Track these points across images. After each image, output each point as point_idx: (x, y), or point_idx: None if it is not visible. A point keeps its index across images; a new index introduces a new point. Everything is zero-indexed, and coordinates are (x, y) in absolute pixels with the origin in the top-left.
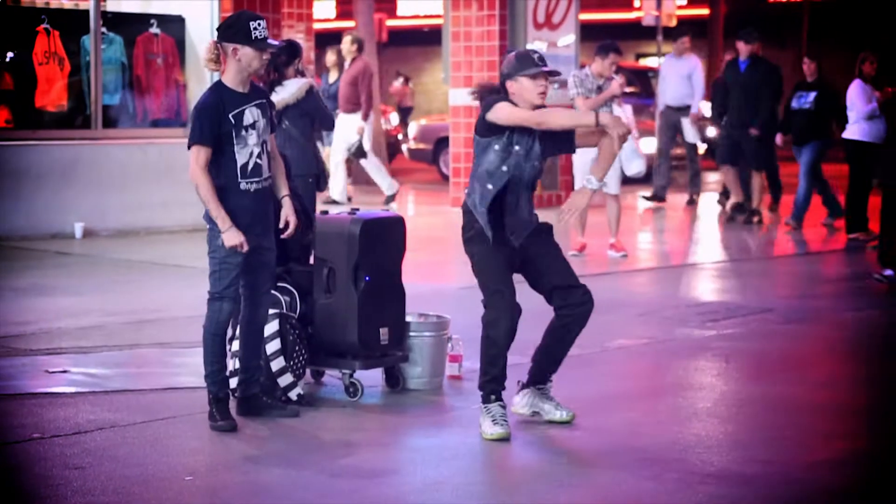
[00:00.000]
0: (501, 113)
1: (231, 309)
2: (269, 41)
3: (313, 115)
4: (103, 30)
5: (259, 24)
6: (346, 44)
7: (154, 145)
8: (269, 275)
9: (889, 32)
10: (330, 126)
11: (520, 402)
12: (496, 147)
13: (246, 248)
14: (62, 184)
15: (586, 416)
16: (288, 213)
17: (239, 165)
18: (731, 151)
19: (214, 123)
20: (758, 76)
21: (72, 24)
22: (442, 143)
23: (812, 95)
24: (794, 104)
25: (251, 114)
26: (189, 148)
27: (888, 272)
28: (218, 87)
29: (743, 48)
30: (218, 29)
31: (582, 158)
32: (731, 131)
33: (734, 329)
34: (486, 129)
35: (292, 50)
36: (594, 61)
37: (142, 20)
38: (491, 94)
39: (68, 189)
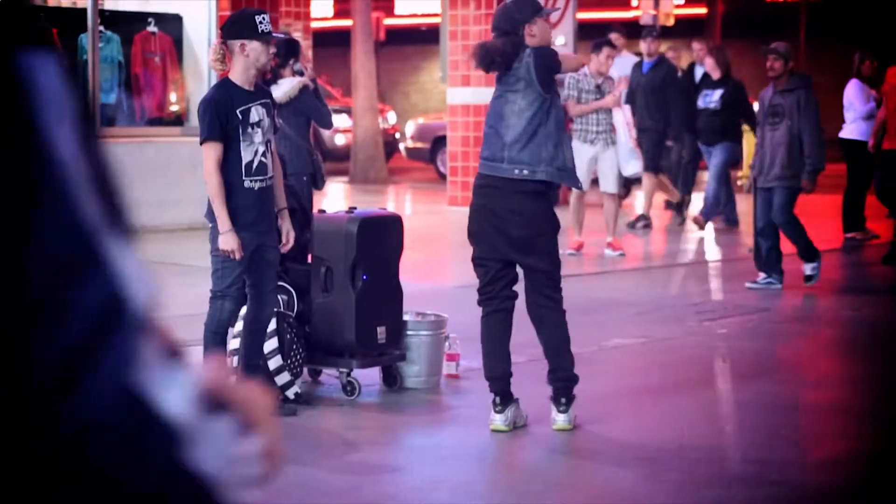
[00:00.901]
0: (570, 63)
1: (233, 308)
2: (274, 34)
3: (308, 114)
4: (101, 28)
5: (264, 19)
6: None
7: (151, 144)
8: (274, 274)
9: (886, 32)
10: (327, 125)
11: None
12: (557, 101)
13: (239, 255)
14: None
15: (584, 414)
16: (287, 229)
17: (244, 163)
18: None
19: (223, 119)
20: (660, 77)
21: (69, 22)
22: (439, 142)
23: (718, 93)
24: (700, 103)
25: (257, 112)
26: (201, 144)
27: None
28: (225, 83)
29: (645, 46)
30: (222, 28)
31: (580, 158)
32: (639, 134)
33: (731, 328)
34: (551, 83)
35: (288, 48)
36: (591, 60)
37: (139, 19)
38: (496, 53)
39: None
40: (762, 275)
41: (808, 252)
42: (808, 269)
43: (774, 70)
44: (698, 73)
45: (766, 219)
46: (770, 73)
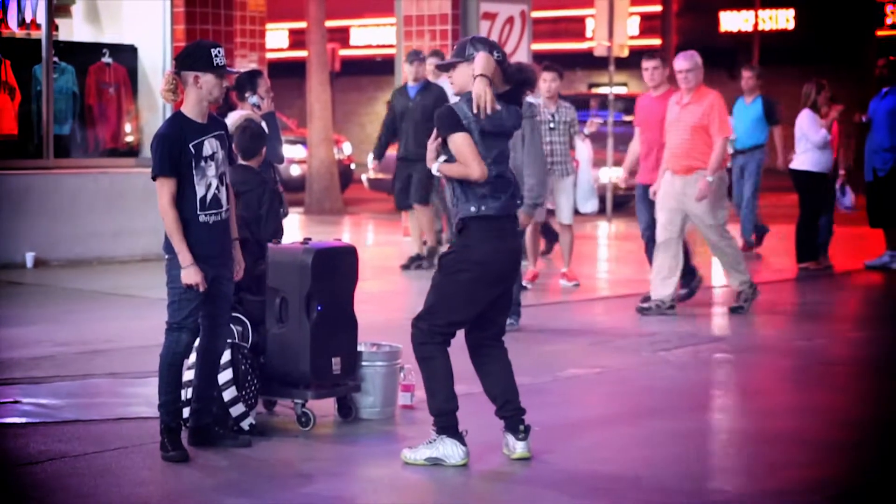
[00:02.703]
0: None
1: (189, 339)
2: (229, 68)
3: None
4: (55, 59)
5: (219, 52)
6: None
7: (106, 174)
8: (228, 305)
9: (838, 63)
10: (275, 158)
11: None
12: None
13: (203, 287)
14: (13, 213)
15: (539, 444)
16: (238, 259)
17: (198, 197)
18: (406, 189)
19: (175, 153)
20: (430, 102)
21: (23, 53)
22: None
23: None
24: None
25: (210, 145)
26: (154, 179)
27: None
28: (178, 117)
29: (411, 70)
30: (177, 59)
31: None
32: (405, 165)
33: (685, 358)
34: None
35: (246, 80)
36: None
37: (94, 49)
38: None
39: (19, 218)
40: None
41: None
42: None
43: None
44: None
45: None
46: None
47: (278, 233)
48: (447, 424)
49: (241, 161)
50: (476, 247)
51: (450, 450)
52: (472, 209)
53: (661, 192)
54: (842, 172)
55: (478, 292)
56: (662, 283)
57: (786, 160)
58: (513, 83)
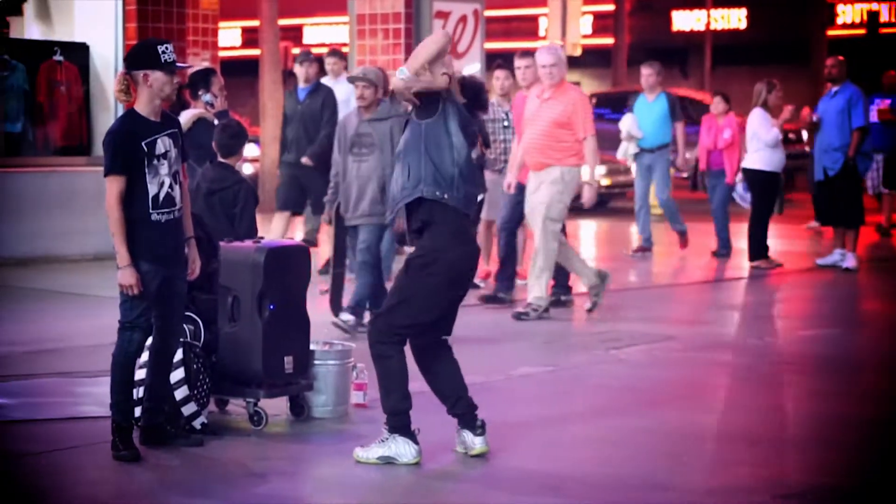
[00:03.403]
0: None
1: (141, 339)
2: (179, 64)
3: (207, 147)
4: (6, 57)
5: (167, 48)
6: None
7: (57, 173)
8: (181, 305)
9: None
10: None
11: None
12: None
13: (137, 290)
14: None
15: (491, 443)
16: (193, 257)
17: (150, 196)
18: (291, 192)
19: (128, 152)
20: (317, 106)
21: None
22: None
23: None
24: None
25: (163, 143)
26: (105, 177)
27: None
28: (130, 115)
29: (301, 72)
30: (125, 59)
31: (491, 188)
32: (289, 167)
33: (637, 356)
34: None
35: (198, 78)
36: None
37: (45, 47)
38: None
39: None
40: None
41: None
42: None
43: (364, 99)
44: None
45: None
46: (359, 101)
47: (252, 231)
48: (400, 424)
49: (219, 159)
50: (447, 250)
51: (402, 448)
52: (437, 193)
53: (528, 189)
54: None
55: (444, 295)
56: (537, 280)
57: (685, 159)
58: (468, 98)
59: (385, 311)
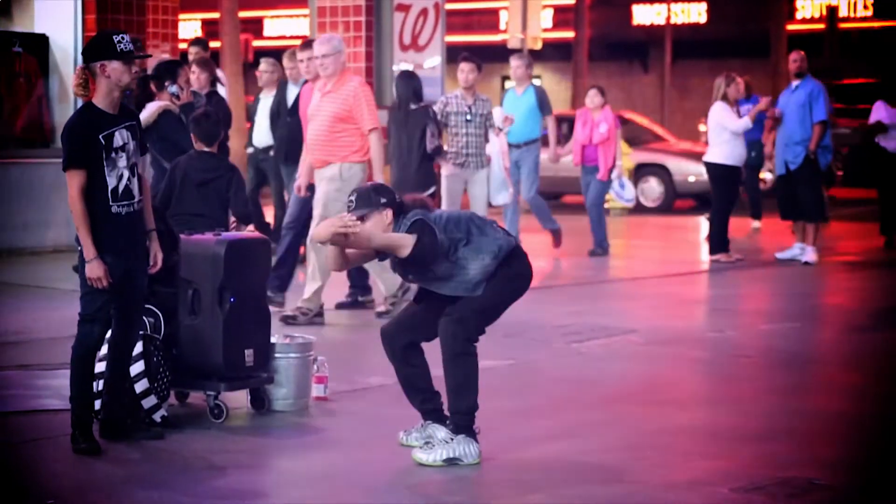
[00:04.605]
0: None
1: (102, 331)
2: (136, 54)
3: (172, 139)
4: None
5: (123, 38)
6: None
7: (16, 165)
8: (141, 297)
9: (749, 57)
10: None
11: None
12: None
13: (105, 282)
14: None
15: None
16: (155, 250)
17: (109, 189)
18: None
19: (86, 145)
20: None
21: None
22: None
23: None
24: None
25: (121, 136)
26: (64, 171)
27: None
28: (88, 108)
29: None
30: (83, 52)
31: (452, 182)
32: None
33: (597, 350)
34: None
35: (164, 70)
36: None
37: (4, 39)
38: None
39: None
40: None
41: None
42: None
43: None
44: (291, 94)
45: None
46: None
47: (248, 209)
48: (468, 424)
49: (204, 148)
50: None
51: (468, 448)
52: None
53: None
54: (619, 163)
55: (510, 304)
56: (310, 284)
57: (557, 154)
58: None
59: (475, 312)
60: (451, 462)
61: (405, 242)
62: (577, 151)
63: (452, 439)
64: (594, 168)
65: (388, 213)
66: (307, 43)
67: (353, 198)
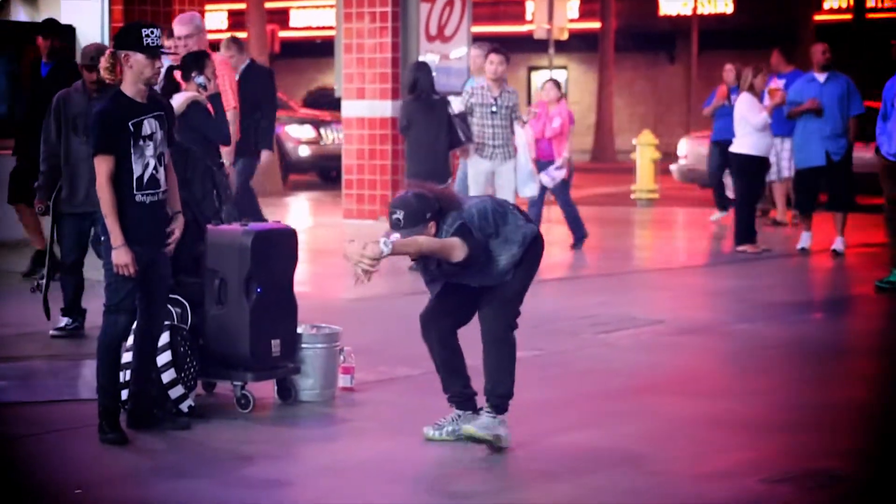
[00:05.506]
0: None
1: (127, 321)
2: (163, 50)
3: (200, 130)
4: None
5: (152, 33)
6: None
7: None
8: (165, 287)
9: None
10: (222, 139)
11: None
12: None
13: (133, 269)
14: None
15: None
16: (175, 226)
17: (135, 177)
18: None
19: (115, 131)
20: None
21: None
22: None
23: None
24: None
25: (149, 125)
26: (93, 156)
27: None
28: (117, 95)
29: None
30: (114, 38)
31: (477, 173)
32: None
33: (625, 340)
34: None
35: (192, 61)
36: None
37: (31, 29)
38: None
39: None
40: None
41: None
42: None
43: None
44: None
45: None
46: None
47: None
48: (507, 408)
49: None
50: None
51: (506, 431)
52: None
53: None
54: (566, 155)
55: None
56: None
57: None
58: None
59: (511, 300)
60: (498, 440)
61: (455, 247)
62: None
63: (496, 417)
64: (550, 163)
65: (433, 225)
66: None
67: (399, 216)
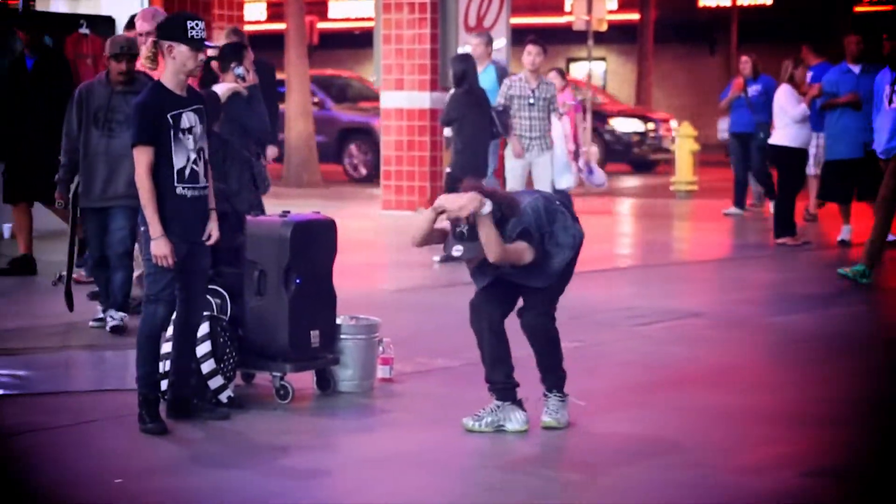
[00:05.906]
0: None
1: (166, 312)
2: (207, 43)
3: (241, 121)
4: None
5: (197, 25)
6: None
7: None
8: (204, 278)
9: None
10: (262, 131)
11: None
12: None
13: (171, 261)
14: None
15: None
16: (211, 227)
17: (176, 169)
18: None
19: (154, 122)
20: None
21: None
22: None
23: None
24: None
25: (188, 118)
26: (132, 147)
27: None
28: (157, 86)
29: None
30: (158, 27)
31: (515, 164)
32: None
33: (662, 333)
34: None
35: (230, 51)
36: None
37: (71, 20)
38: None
39: None
40: None
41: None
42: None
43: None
44: None
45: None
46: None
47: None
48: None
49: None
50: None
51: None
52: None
53: None
54: (584, 150)
55: None
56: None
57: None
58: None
59: (549, 301)
60: (565, 424)
61: (526, 252)
62: None
63: (562, 401)
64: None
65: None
66: (131, 22)
67: (463, 229)
